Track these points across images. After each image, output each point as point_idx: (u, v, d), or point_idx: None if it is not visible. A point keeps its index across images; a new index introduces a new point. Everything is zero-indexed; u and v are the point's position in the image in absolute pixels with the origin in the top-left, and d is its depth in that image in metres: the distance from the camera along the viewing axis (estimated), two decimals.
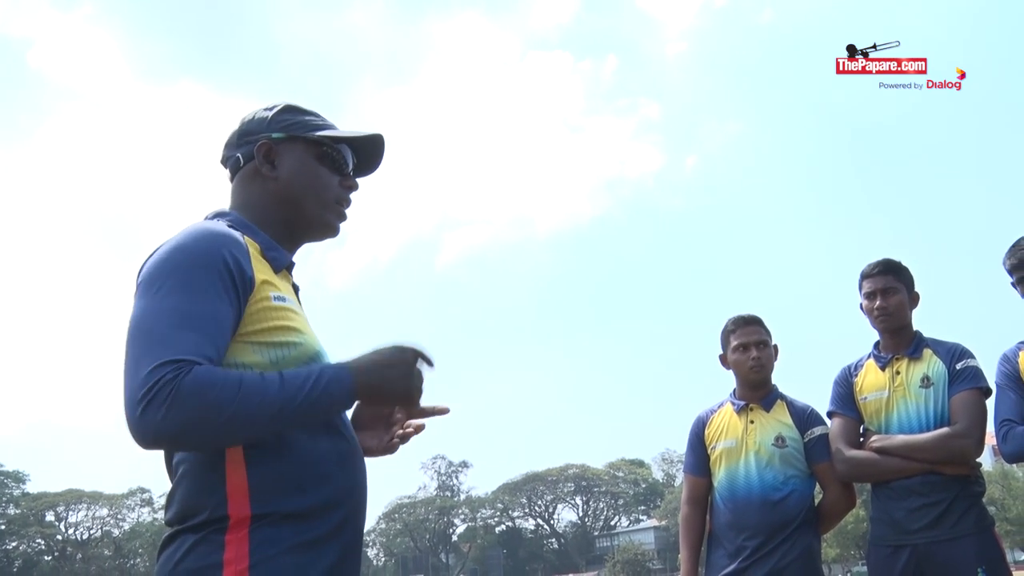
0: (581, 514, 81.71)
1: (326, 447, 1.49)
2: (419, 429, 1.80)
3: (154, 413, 1.29)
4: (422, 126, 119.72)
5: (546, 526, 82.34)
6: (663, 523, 68.85)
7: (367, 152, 1.78)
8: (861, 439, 3.12)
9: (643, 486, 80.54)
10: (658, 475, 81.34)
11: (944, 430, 2.93)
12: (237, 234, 1.51)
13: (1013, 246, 2.94)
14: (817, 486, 3.19)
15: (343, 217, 1.73)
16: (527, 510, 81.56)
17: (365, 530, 1.66)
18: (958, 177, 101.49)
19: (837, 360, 3.30)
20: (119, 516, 71.01)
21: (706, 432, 3.30)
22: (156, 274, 1.43)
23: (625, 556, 61.59)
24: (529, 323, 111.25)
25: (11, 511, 67.58)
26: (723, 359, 3.33)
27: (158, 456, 1.53)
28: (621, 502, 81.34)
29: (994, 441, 2.93)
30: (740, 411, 3.24)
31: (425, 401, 1.66)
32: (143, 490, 70.35)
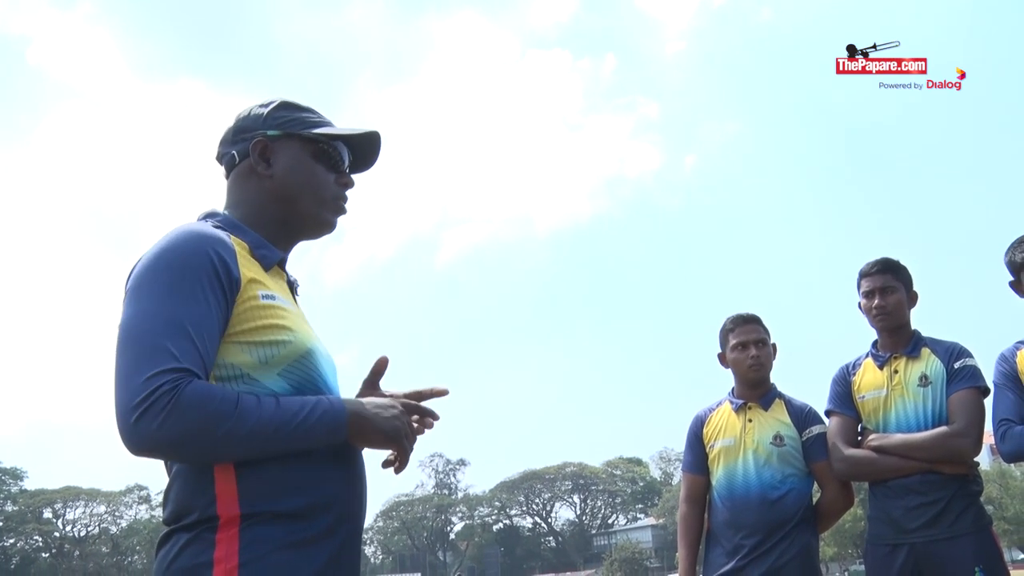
0: (579, 512, 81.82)
1: (320, 447, 1.48)
2: (425, 424, 1.75)
3: (149, 422, 1.30)
4: (421, 124, 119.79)
5: (544, 524, 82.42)
6: (661, 521, 68.90)
7: (363, 149, 1.77)
8: (859, 438, 3.13)
9: (641, 484, 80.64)
10: (656, 473, 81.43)
11: (942, 429, 2.93)
12: (224, 234, 1.51)
13: (1017, 242, 2.92)
14: (815, 485, 3.20)
15: (341, 212, 1.72)
16: (525, 508, 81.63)
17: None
18: (957, 177, 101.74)
19: (835, 359, 3.31)
20: (117, 513, 71.07)
21: (704, 431, 3.30)
22: (144, 279, 1.43)
23: (623, 554, 61.68)
24: (528, 321, 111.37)
25: (9, 508, 67.58)
26: (722, 358, 3.33)
27: None
28: (619, 500, 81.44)
29: (992, 440, 2.93)
30: (739, 410, 3.24)
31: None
32: (140, 487, 70.39)
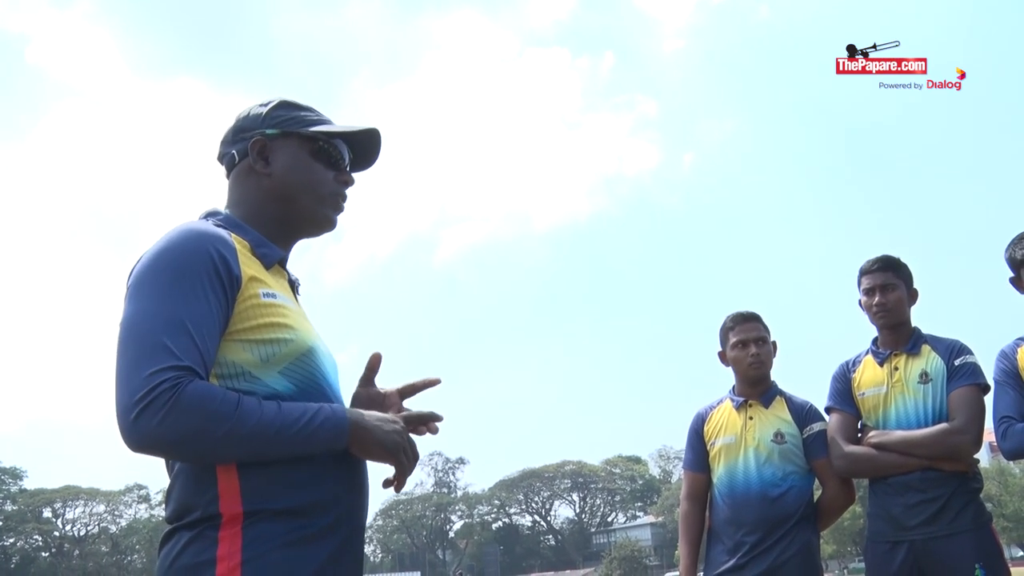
0: (578, 511, 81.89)
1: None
2: (430, 429, 1.73)
3: (150, 419, 1.30)
4: (420, 123, 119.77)
5: (543, 522, 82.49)
6: (660, 519, 69.00)
7: (364, 147, 1.77)
8: (859, 435, 3.13)
9: (640, 483, 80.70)
10: (655, 471, 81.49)
11: (942, 426, 2.93)
12: (224, 232, 1.51)
13: (1018, 238, 2.90)
14: (816, 482, 3.20)
15: (340, 210, 1.72)
16: (524, 507, 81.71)
17: None
18: (957, 177, 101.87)
19: (834, 357, 3.31)
20: (116, 513, 71.14)
21: (705, 428, 3.30)
22: (144, 277, 1.43)
23: (622, 552, 61.70)
24: (526, 319, 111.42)
25: (8, 507, 67.60)
26: (722, 356, 3.33)
27: None
28: (618, 499, 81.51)
29: (991, 437, 2.93)
30: (739, 407, 3.24)
31: (422, 405, 1.66)
32: (140, 487, 70.50)
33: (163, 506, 1.52)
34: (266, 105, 1.69)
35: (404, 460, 1.55)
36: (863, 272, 3.17)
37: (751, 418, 3.21)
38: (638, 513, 79.70)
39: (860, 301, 3.19)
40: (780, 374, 3.32)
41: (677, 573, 3.58)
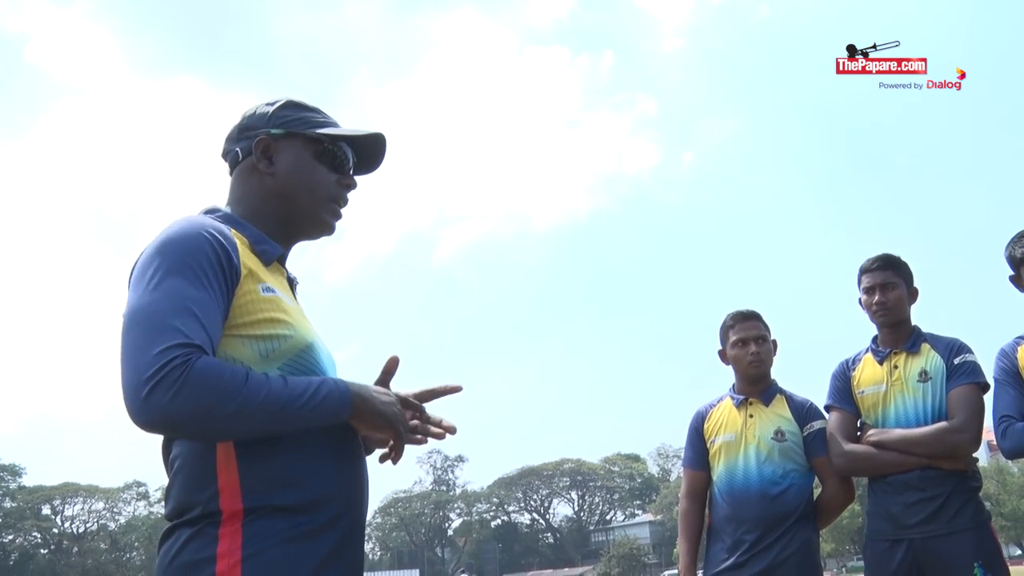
0: (576, 508, 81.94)
1: (321, 442, 1.49)
2: (449, 429, 1.78)
3: (162, 395, 1.29)
4: (419, 121, 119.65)
5: (542, 520, 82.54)
6: (658, 517, 69.05)
7: (368, 151, 1.77)
8: (859, 433, 3.13)
9: (639, 481, 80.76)
10: (654, 470, 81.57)
11: (941, 424, 2.93)
12: (225, 227, 1.52)
13: (1017, 236, 2.90)
14: (816, 480, 3.20)
15: (339, 215, 1.72)
16: (523, 504, 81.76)
17: None
18: (957, 177, 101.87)
19: (835, 355, 3.31)
20: (115, 510, 71.12)
21: (705, 426, 3.31)
22: (147, 267, 1.43)
23: (620, 550, 61.69)
24: (525, 318, 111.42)
25: (7, 504, 67.58)
26: (722, 354, 3.33)
27: (154, 450, 1.53)
28: (616, 497, 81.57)
29: (990, 436, 2.93)
30: (739, 405, 3.25)
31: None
32: (139, 484, 70.45)
33: (162, 503, 1.52)
34: (273, 104, 1.69)
35: (402, 430, 1.58)
36: (863, 271, 3.18)
37: (751, 416, 3.21)
38: (637, 511, 79.75)
39: (860, 300, 3.20)
40: (780, 373, 3.33)
41: (676, 571, 3.59)
